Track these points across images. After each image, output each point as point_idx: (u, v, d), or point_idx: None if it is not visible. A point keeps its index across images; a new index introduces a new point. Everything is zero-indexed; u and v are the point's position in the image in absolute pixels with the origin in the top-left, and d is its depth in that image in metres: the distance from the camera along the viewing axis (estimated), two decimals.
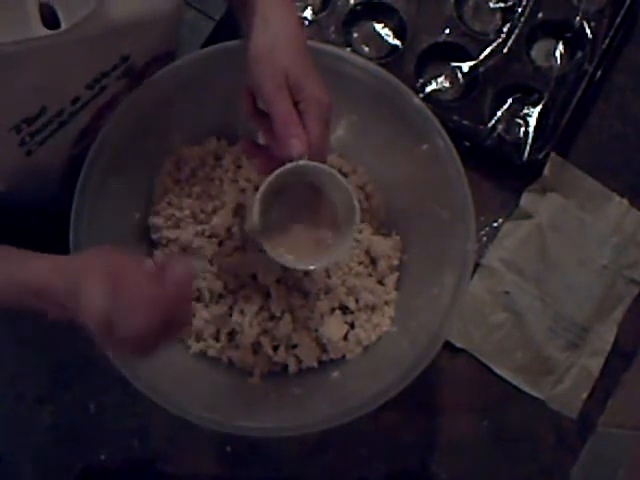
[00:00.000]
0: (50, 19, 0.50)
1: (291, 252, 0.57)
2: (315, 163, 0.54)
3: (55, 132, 0.57)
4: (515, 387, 0.77)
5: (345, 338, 0.70)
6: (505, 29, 0.85)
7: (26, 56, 0.49)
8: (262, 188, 0.54)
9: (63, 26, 0.50)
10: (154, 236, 0.72)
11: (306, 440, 0.75)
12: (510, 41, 0.84)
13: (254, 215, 0.53)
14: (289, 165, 0.53)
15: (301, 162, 0.53)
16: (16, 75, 0.49)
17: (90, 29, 0.52)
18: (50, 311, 0.49)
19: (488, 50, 0.84)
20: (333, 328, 0.69)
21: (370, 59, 0.82)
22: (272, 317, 0.70)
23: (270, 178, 0.54)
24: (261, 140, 0.73)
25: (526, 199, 0.82)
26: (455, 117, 0.81)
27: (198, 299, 0.70)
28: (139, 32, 0.58)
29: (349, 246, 0.56)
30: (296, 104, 0.54)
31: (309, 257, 0.58)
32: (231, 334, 0.70)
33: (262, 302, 0.69)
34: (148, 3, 0.58)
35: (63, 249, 0.59)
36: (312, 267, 0.59)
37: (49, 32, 0.49)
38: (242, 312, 0.69)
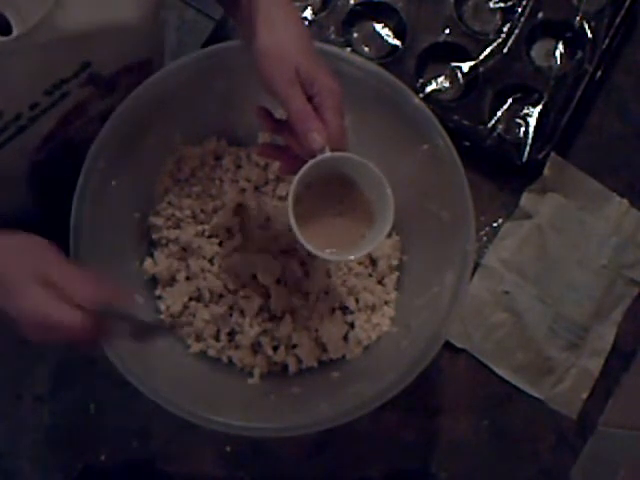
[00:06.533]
0: (2, 25, 0.49)
1: (327, 245, 0.56)
2: (341, 153, 0.53)
3: (15, 136, 0.56)
4: (515, 387, 0.77)
5: (345, 338, 0.70)
6: (505, 29, 0.85)
7: None
8: (292, 187, 0.53)
9: (15, 32, 0.49)
10: (154, 236, 0.72)
11: (306, 440, 0.75)
12: (510, 41, 0.84)
13: (289, 213, 0.53)
14: (315, 159, 0.53)
15: (326, 155, 0.53)
16: None
17: (43, 36, 0.51)
18: None
19: (488, 50, 0.84)
20: (333, 328, 0.69)
21: (370, 59, 0.82)
22: (272, 317, 0.70)
23: (298, 176, 0.53)
24: (261, 139, 0.74)
25: (526, 199, 0.82)
26: (455, 117, 0.81)
27: (198, 299, 0.71)
28: (99, 39, 0.56)
29: (385, 234, 0.56)
30: (310, 99, 0.53)
31: (346, 248, 0.57)
32: (231, 334, 0.70)
33: (262, 302, 0.69)
34: (108, 11, 0.56)
35: (62, 250, 0.59)
36: (351, 257, 0.60)
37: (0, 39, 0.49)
38: (242, 312, 0.69)
